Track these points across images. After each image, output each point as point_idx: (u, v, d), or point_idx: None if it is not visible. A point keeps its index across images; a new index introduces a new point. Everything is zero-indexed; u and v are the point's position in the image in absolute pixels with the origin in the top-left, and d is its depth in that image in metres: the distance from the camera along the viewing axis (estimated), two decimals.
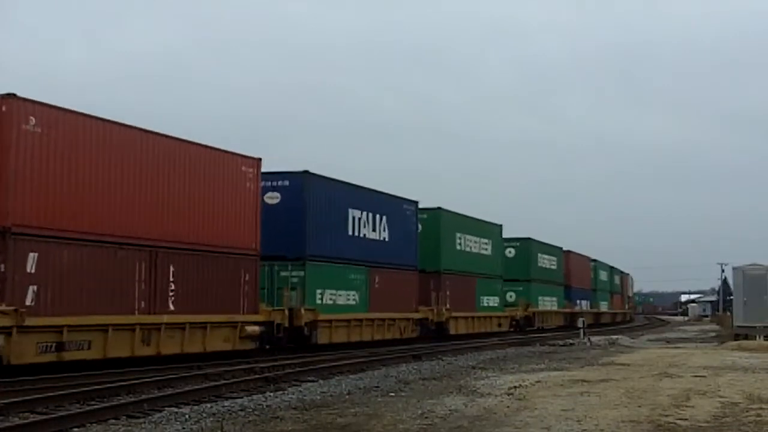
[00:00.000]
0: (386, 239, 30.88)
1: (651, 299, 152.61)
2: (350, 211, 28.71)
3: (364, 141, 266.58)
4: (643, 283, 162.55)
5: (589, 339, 35.64)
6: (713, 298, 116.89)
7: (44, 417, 11.89)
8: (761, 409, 13.16)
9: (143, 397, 14.12)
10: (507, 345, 32.70)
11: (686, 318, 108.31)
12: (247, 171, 23.24)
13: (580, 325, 38.82)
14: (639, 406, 13.28)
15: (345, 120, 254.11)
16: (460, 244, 38.24)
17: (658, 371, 19.86)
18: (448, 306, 35.43)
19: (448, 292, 35.78)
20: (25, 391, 14.47)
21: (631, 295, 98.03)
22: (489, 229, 42.69)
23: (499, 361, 24.43)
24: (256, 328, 23.04)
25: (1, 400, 12.82)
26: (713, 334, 50.67)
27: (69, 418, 11.73)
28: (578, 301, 61.08)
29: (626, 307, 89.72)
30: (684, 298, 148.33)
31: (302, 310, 25.28)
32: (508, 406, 13.40)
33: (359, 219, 29.15)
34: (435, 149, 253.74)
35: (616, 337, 39.75)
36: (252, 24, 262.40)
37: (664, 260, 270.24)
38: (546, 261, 53.05)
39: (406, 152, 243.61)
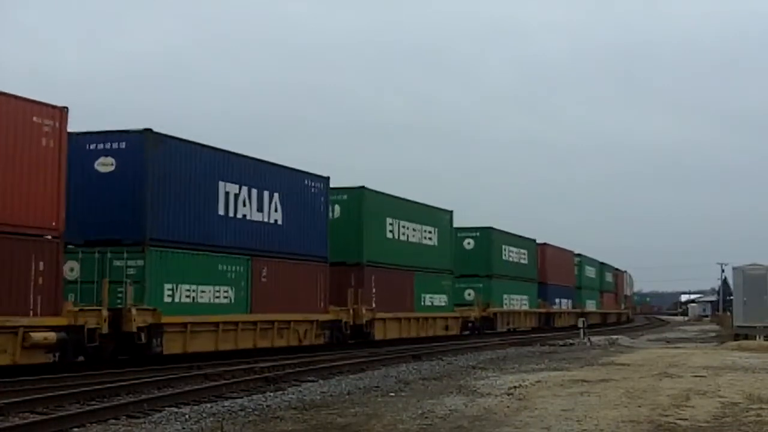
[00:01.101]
0: (278, 222, 25.04)
1: (648, 299, 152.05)
2: (222, 185, 22.84)
3: (364, 141, 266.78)
4: (643, 283, 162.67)
5: (589, 339, 35.62)
6: (713, 298, 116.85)
7: (44, 417, 11.89)
8: (761, 409, 13.15)
9: (143, 397, 14.12)
10: (507, 345, 32.66)
11: (686, 318, 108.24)
12: (42, 123, 17.48)
13: (580, 325, 38.72)
14: (639, 406, 13.27)
15: (345, 120, 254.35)
16: (392, 231, 31.88)
17: (658, 371, 19.85)
18: (373, 305, 29.59)
19: (374, 290, 29.80)
20: (25, 391, 14.47)
21: (629, 294, 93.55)
22: (434, 216, 35.87)
23: (499, 361, 24.43)
24: (52, 336, 17.23)
25: (1, 400, 12.82)
26: (713, 334, 50.66)
27: (69, 418, 11.74)
28: (557, 300, 54.80)
29: (622, 306, 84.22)
30: (684, 298, 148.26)
31: (133, 311, 19.40)
32: (508, 406, 13.39)
33: (236, 196, 23.35)
34: (435, 149, 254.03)
35: (616, 337, 39.71)
36: (252, 24, 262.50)
37: (664, 260, 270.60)
38: (514, 254, 46.75)
39: (406, 152, 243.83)
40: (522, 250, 48.29)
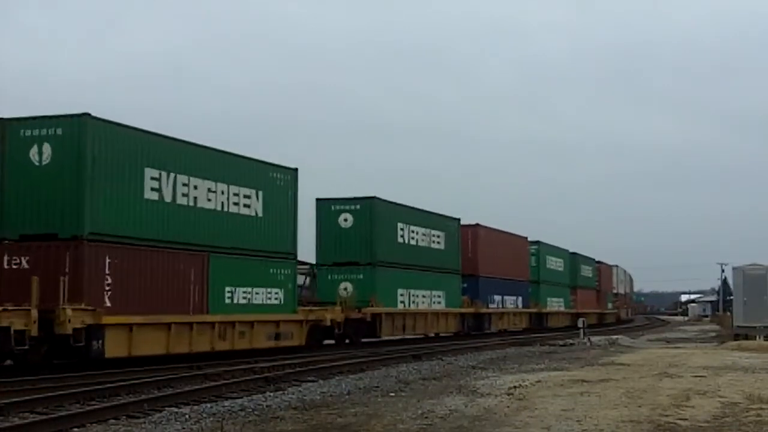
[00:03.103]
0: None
1: (642, 299, 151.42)
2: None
3: (364, 141, 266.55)
4: (643, 283, 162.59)
5: (589, 339, 35.63)
6: (713, 298, 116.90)
7: (44, 417, 11.90)
8: (761, 409, 13.15)
9: (143, 397, 14.13)
10: (507, 345, 32.67)
11: (686, 318, 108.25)
12: None
13: (580, 325, 38.75)
14: (639, 406, 13.27)
15: (345, 120, 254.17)
16: (157, 189, 21.09)
17: (658, 371, 19.86)
18: (107, 303, 19.31)
19: (108, 278, 19.39)
20: (25, 391, 14.49)
21: (624, 291, 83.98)
22: (258, 172, 24.77)
23: (499, 361, 24.43)
24: None
25: (1, 400, 12.83)
26: (713, 334, 50.70)
27: (69, 418, 11.75)
28: (495, 298, 43.85)
29: (609, 305, 73.15)
30: (684, 298, 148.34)
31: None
32: (508, 406, 13.39)
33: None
34: (435, 149, 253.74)
35: (616, 337, 39.71)
36: (252, 24, 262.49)
37: (664, 260, 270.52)
38: (420, 236, 35.44)
39: (406, 152, 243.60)
40: (436, 232, 36.78)
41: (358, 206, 31.80)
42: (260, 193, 24.71)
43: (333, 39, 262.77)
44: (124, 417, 12.36)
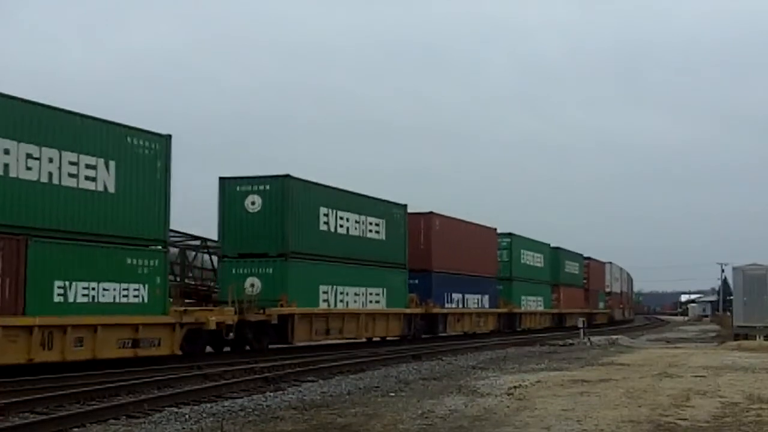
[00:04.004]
0: None
1: (640, 298, 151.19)
2: None
3: (364, 141, 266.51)
4: (643, 283, 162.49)
5: (589, 339, 35.64)
6: (713, 298, 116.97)
7: (44, 417, 11.90)
8: (761, 409, 13.16)
9: (143, 397, 14.13)
10: (508, 345, 32.67)
11: (686, 318, 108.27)
12: None
13: (580, 325, 38.75)
14: (639, 406, 13.28)
15: (345, 120, 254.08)
16: None
17: (658, 371, 19.87)
18: None
19: None
20: (25, 391, 14.49)
21: (620, 291, 78.75)
22: (98, 134, 19.69)
23: (499, 361, 24.43)
24: None
25: (1, 400, 12.84)
26: (713, 334, 50.72)
27: (69, 418, 11.75)
28: (454, 296, 38.11)
29: (601, 305, 67.81)
30: (684, 298, 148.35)
31: None
32: (508, 406, 13.40)
33: None
34: (435, 149, 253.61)
35: (616, 337, 39.73)
36: (252, 24, 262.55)
37: (664, 260, 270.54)
38: (352, 225, 29.74)
39: (406, 152, 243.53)
40: (373, 219, 31.19)
41: (267, 186, 26.31)
42: (111, 164, 19.81)
43: (333, 39, 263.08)
44: (124, 417, 12.36)
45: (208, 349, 24.02)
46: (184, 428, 11.58)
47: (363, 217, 30.46)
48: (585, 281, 63.02)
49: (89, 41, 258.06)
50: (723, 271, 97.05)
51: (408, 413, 12.62)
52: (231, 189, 26.47)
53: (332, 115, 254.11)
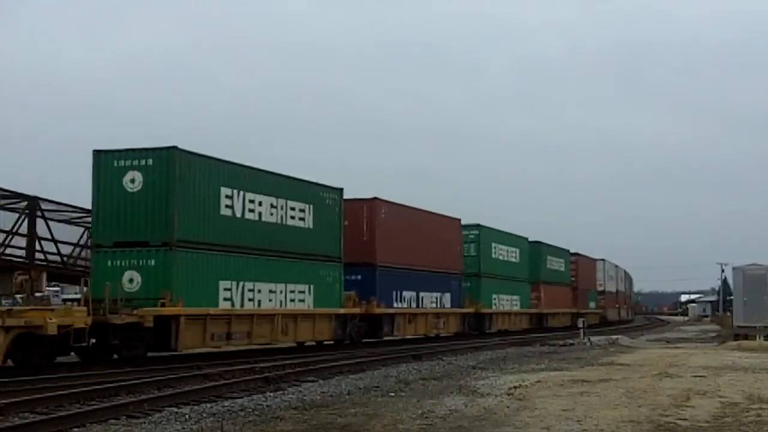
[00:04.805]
0: None
1: (639, 298, 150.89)
2: None
3: (364, 141, 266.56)
4: (643, 283, 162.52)
5: (589, 339, 35.65)
6: (713, 298, 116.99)
7: (44, 417, 11.90)
8: (761, 409, 13.16)
9: (143, 397, 14.13)
10: (507, 345, 32.68)
11: (686, 318, 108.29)
12: None
13: (580, 325, 38.75)
14: (639, 406, 13.28)
15: (345, 120, 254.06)
16: None
17: (658, 371, 19.87)
18: None
19: None
20: (25, 391, 14.49)
21: (616, 290, 75.28)
22: None
23: (499, 361, 24.44)
24: None
25: (1, 400, 12.83)
26: (713, 334, 50.70)
27: (69, 418, 11.74)
28: (403, 294, 33.45)
29: (592, 305, 63.76)
30: (684, 298, 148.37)
31: None
32: (508, 406, 13.40)
33: None
34: (435, 149, 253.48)
35: (616, 337, 39.75)
36: (252, 24, 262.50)
37: (664, 260, 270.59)
38: (267, 210, 25.18)
39: (406, 152, 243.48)
40: (296, 204, 26.63)
41: (150, 161, 21.89)
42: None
43: (333, 39, 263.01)
44: (124, 417, 12.36)
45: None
46: (184, 428, 11.58)
47: (282, 201, 25.93)
48: (573, 279, 59.16)
49: (89, 41, 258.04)
50: (723, 271, 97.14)
51: (408, 413, 12.62)
52: (107, 164, 22.09)
53: (332, 115, 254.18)
